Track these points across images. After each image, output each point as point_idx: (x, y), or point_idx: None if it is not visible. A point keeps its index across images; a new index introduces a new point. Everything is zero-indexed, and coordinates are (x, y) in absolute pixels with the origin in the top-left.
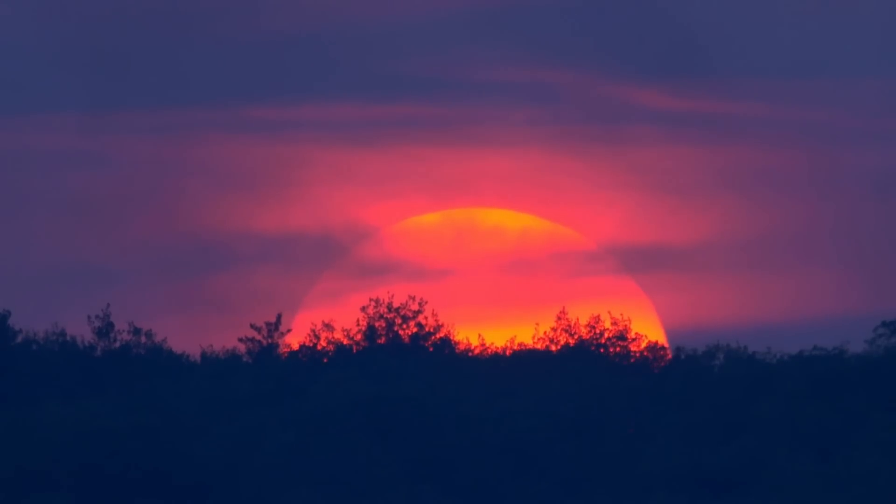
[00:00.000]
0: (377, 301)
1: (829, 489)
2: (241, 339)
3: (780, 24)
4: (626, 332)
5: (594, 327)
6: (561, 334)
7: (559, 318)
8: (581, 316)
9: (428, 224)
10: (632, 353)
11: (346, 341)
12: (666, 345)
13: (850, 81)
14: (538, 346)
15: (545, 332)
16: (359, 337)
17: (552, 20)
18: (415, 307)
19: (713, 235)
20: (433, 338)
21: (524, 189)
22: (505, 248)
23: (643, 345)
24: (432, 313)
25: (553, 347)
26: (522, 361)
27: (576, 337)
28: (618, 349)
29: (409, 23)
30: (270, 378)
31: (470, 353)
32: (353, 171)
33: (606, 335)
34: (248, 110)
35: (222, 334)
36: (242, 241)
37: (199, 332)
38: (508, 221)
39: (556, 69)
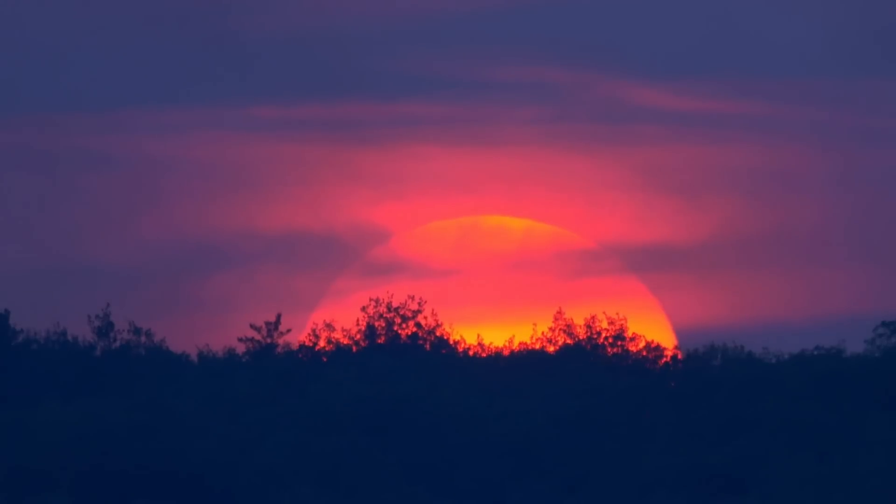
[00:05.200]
0: (377, 301)
1: (828, 489)
2: (240, 339)
3: (781, 23)
4: (624, 331)
5: (591, 327)
6: (559, 334)
7: (556, 319)
8: (584, 316)
9: (435, 231)
10: (630, 353)
11: (345, 341)
12: (672, 344)
13: (850, 81)
14: (537, 346)
15: (543, 333)
16: (358, 337)
17: (555, 20)
18: (414, 307)
19: (715, 235)
20: (432, 338)
21: (528, 188)
22: (508, 250)
23: (641, 344)
24: (432, 313)
25: (551, 348)
26: (521, 361)
27: (574, 337)
28: (616, 349)
29: (412, 22)
30: (270, 378)
31: (469, 353)
32: (356, 170)
33: (604, 335)
34: (251, 109)
35: (225, 334)
36: (245, 241)
37: (202, 332)
38: (512, 223)
39: (560, 69)
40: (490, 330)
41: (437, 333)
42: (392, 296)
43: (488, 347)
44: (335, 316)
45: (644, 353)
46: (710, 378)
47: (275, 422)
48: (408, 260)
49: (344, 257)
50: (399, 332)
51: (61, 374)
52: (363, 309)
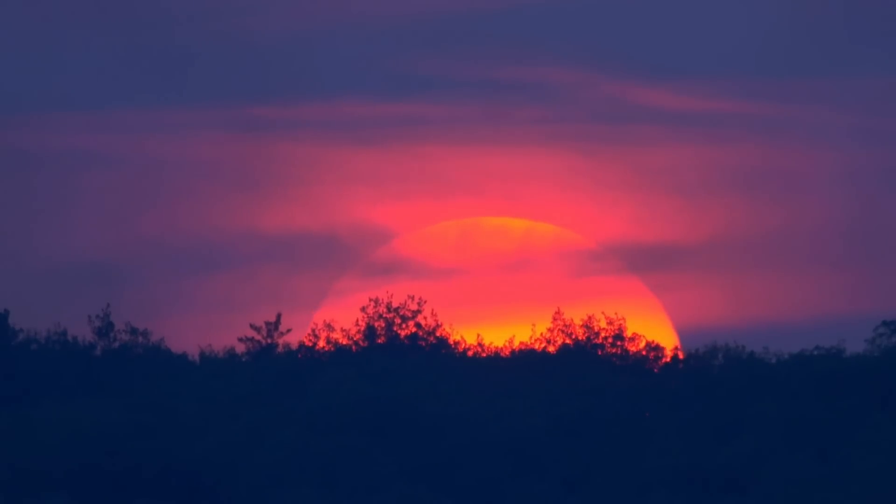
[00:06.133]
0: (376, 301)
1: (828, 489)
2: (240, 339)
3: (781, 24)
4: (623, 331)
5: (590, 327)
6: (558, 334)
7: (555, 319)
8: (583, 316)
9: (436, 231)
10: (629, 353)
11: (345, 341)
12: (673, 345)
13: (850, 81)
14: (536, 347)
15: (542, 333)
16: (358, 337)
17: (555, 20)
18: (414, 307)
19: (715, 235)
20: (432, 338)
21: (529, 188)
22: (508, 250)
23: (641, 344)
24: (431, 313)
25: (551, 348)
26: (521, 361)
27: (573, 337)
28: (616, 349)
29: (413, 22)
30: (270, 378)
31: (469, 354)
32: (356, 170)
33: (603, 335)
34: (251, 109)
35: (225, 334)
36: (245, 241)
37: (202, 332)
38: (512, 224)
39: (560, 69)
40: (490, 330)
41: (437, 334)
42: (392, 296)
43: (488, 347)
44: (336, 316)
45: (644, 353)
46: (710, 378)
47: (275, 422)
48: (409, 260)
49: (345, 257)
50: (399, 332)
51: (61, 374)
52: (363, 309)
